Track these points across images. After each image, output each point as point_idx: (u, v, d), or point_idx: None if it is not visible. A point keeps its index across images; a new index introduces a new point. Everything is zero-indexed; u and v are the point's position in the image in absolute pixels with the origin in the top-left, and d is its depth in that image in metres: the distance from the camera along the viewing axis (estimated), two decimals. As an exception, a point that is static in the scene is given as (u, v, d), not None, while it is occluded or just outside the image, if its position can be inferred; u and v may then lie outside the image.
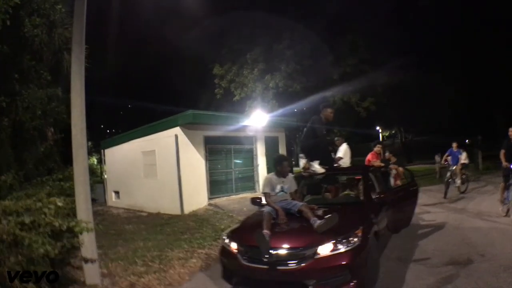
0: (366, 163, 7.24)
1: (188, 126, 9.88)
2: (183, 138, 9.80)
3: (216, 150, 10.79)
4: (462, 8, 19.38)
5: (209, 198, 10.22)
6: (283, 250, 3.55)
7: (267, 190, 4.42)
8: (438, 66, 21.13)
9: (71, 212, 4.02)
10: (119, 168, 12.88)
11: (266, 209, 4.20)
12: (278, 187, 4.43)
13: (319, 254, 3.44)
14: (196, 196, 9.87)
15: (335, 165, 5.91)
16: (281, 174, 4.50)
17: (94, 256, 4.17)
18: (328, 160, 5.69)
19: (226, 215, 8.54)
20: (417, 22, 20.23)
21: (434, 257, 4.81)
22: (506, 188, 7.05)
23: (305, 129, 5.83)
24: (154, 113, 19.22)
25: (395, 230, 5.32)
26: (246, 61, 16.92)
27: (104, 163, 14.30)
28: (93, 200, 5.23)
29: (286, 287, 3.63)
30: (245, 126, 11.17)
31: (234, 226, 4.98)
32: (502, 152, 7.11)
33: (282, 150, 12.70)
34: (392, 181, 6.82)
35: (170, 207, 9.78)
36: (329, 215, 3.75)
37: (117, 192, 13.04)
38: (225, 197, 10.59)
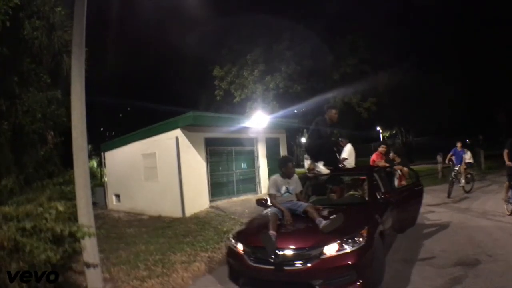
0: (370, 163, 7.24)
1: (189, 128, 9.81)
2: (183, 140, 9.73)
3: (217, 152, 10.73)
4: (462, 8, 19.43)
5: (211, 201, 10.14)
6: (289, 250, 3.57)
7: (272, 192, 4.43)
8: (438, 66, 21.21)
9: (72, 216, 3.96)
10: (119, 171, 12.80)
11: (271, 210, 4.16)
12: (284, 188, 4.45)
13: (325, 254, 3.46)
14: (198, 199, 9.80)
15: (339, 165, 5.87)
16: (286, 175, 4.51)
17: (96, 261, 4.09)
18: (333, 161, 5.68)
19: (228, 218, 8.47)
20: (417, 22, 20.32)
21: (441, 257, 4.78)
22: (510, 187, 7.09)
23: (309, 130, 5.83)
24: (154, 115, 19.14)
25: (400, 230, 5.32)
26: (246, 62, 16.91)
27: (104, 166, 14.22)
28: (94, 204, 5.15)
29: (292, 287, 3.65)
30: (246, 128, 11.10)
31: (241, 227, 4.95)
32: (506, 151, 7.12)
33: (283, 152, 12.65)
34: (396, 182, 6.76)
35: (171, 210, 9.70)
36: (334, 216, 3.78)
37: (117, 195, 12.96)
38: (227, 199, 10.50)
